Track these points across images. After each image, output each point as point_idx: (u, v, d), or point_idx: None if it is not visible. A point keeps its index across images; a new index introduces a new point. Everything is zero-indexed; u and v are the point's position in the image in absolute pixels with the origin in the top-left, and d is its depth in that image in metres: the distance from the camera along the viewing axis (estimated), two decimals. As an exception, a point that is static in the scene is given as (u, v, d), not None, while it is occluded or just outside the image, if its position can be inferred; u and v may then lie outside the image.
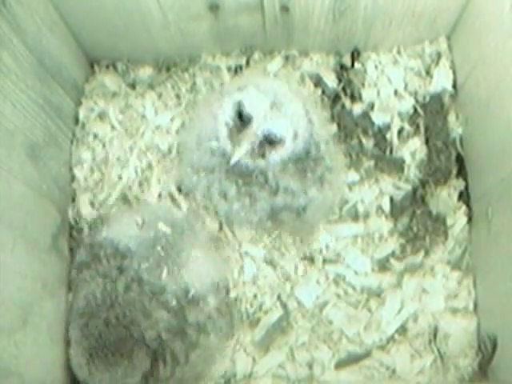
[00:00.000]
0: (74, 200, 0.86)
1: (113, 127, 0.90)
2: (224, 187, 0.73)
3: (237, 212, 0.74)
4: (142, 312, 0.68)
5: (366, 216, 0.84)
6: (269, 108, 0.66)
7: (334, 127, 0.88)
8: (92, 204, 0.86)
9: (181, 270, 0.72)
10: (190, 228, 0.78)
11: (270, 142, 0.67)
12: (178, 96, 0.92)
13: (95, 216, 0.85)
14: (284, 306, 0.81)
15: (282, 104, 0.67)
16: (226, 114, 0.67)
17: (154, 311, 0.69)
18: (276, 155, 0.68)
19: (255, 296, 0.81)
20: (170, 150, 0.88)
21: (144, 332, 0.67)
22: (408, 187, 0.85)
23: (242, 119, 0.67)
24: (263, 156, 0.68)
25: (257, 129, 0.66)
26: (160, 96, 0.92)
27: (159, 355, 0.69)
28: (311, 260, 0.82)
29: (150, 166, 0.87)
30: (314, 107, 0.78)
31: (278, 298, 0.81)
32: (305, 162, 0.71)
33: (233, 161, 0.66)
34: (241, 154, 0.66)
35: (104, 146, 0.89)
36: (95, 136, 0.90)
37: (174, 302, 0.70)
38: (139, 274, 0.70)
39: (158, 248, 0.72)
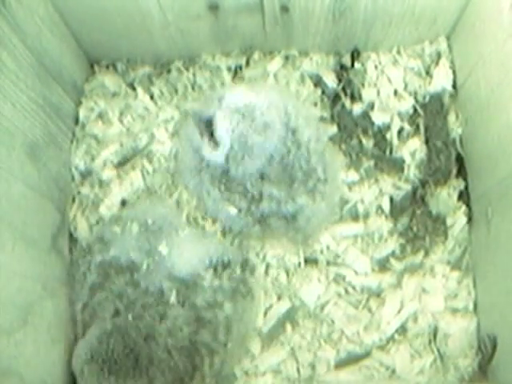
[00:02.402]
0: (74, 200, 0.86)
1: (112, 127, 0.90)
2: (211, 192, 0.74)
3: (225, 216, 0.75)
4: (155, 316, 0.68)
5: (366, 216, 0.84)
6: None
7: (333, 128, 0.88)
8: (92, 204, 0.86)
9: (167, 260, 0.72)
10: (173, 220, 0.78)
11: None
12: (178, 96, 0.92)
13: (96, 218, 0.85)
14: (285, 305, 0.81)
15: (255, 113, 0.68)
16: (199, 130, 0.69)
17: (166, 311, 0.69)
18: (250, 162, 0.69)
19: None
20: (170, 150, 0.88)
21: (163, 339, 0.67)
22: (408, 187, 0.85)
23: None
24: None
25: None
26: (160, 96, 0.92)
27: (192, 353, 0.68)
28: (312, 260, 0.82)
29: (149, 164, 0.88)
30: (304, 109, 0.78)
31: (279, 297, 0.81)
32: (288, 169, 0.71)
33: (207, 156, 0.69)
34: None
35: (104, 145, 0.89)
36: (95, 136, 0.90)
37: (174, 293, 0.69)
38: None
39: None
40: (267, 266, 0.82)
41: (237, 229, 0.78)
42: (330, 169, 0.76)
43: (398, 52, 0.92)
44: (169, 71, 0.94)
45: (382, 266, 0.82)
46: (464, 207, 0.84)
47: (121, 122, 0.90)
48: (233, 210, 0.73)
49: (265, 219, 0.74)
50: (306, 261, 0.82)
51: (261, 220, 0.74)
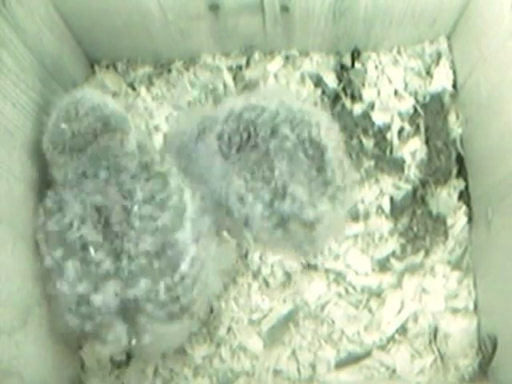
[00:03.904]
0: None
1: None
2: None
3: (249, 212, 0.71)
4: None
5: (366, 216, 0.84)
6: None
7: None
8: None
9: None
10: None
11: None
12: (178, 96, 0.92)
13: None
14: (286, 305, 0.81)
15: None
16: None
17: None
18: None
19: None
20: (170, 150, 0.88)
21: None
22: (408, 187, 0.85)
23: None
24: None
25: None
26: (160, 96, 0.92)
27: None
28: (312, 259, 0.82)
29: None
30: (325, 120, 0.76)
31: (279, 297, 0.81)
32: (310, 174, 0.70)
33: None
34: None
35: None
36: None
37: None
38: None
39: None
40: (269, 267, 0.82)
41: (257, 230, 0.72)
42: (348, 178, 0.75)
43: (399, 52, 0.92)
44: (169, 71, 0.94)
45: (383, 265, 0.82)
46: (464, 207, 0.84)
47: (121, 121, 0.90)
48: (258, 206, 0.68)
49: (285, 222, 0.70)
50: (307, 261, 0.82)
51: (281, 223, 0.70)
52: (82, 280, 0.64)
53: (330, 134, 0.73)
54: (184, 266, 0.65)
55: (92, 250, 0.63)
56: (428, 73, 0.91)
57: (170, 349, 0.76)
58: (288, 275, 0.82)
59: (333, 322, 0.80)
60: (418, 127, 0.88)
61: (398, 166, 0.86)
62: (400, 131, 0.88)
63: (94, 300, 0.63)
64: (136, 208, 0.65)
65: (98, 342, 0.67)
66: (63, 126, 0.67)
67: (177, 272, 0.65)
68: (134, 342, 0.66)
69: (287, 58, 0.93)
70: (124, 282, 0.64)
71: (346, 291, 0.81)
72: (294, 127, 0.70)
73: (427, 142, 0.87)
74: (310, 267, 0.82)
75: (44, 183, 0.77)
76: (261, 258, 0.82)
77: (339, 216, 0.74)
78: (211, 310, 0.80)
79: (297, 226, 0.71)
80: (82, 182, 0.67)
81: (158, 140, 0.88)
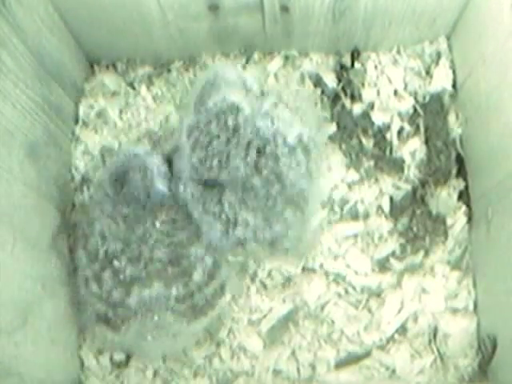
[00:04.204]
0: (73, 200, 0.86)
1: (112, 127, 0.90)
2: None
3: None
4: None
5: (366, 216, 0.84)
6: None
7: (333, 128, 0.88)
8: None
9: None
10: None
11: None
12: (178, 96, 0.92)
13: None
14: (286, 305, 0.81)
15: None
16: None
17: None
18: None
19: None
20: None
21: None
22: (408, 187, 0.85)
23: None
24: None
25: None
26: (160, 96, 0.92)
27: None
28: (312, 260, 0.82)
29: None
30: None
31: (279, 298, 0.81)
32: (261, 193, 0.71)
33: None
34: None
35: (103, 145, 0.89)
36: (95, 135, 0.90)
37: None
38: None
39: None
40: (269, 268, 0.82)
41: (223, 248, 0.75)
42: (314, 186, 0.74)
43: (398, 52, 0.92)
44: (169, 71, 0.94)
45: (382, 265, 0.82)
46: (464, 207, 0.84)
47: (121, 121, 0.90)
48: (215, 233, 0.73)
49: (243, 244, 0.73)
50: (307, 261, 0.82)
51: (239, 244, 0.73)
52: (116, 287, 0.71)
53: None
54: (197, 276, 0.72)
55: (116, 262, 0.71)
56: (428, 73, 0.91)
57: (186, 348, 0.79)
58: (288, 276, 0.82)
59: (332, 322, 0.80)
60: (417, 127, 0.88)
61: (397, 165, 0.86)
62: (400, 131, 0.88)
63: (129, 303, 0.71)
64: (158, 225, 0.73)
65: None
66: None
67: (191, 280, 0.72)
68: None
69: (287, 57, 0.93)
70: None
71: (346, 291, 0.81)
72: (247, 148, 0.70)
73: (427, 142, 0.87)
74: (309, 267, 0.82)
75: (44, 183, 0.78)
76: (259, 261, 0.82)
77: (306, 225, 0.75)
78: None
79: (255, 248, 0.73)
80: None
81: (157, 140, 0.89)
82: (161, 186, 0.73)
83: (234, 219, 0.71)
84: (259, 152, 0.70)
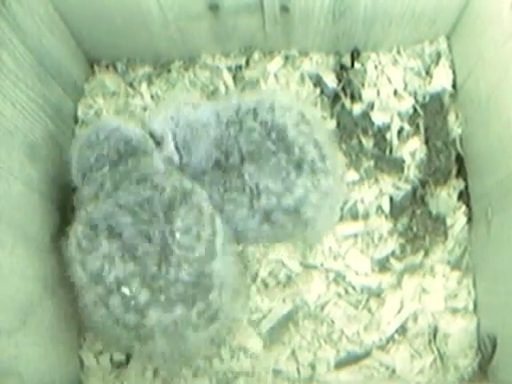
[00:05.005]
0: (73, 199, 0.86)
1: (113, 127, 0.90)
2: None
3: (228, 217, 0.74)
4: None
5: (366, 216, 0.84)
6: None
7: (333, 128, 0.88)
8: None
9: None
10: None
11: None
12: (177, 96, 0.92)
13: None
14: (286, 305, 0.81)
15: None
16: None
17: None
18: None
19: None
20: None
21: None
22: (408, 187, 0.85)
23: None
24: None
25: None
26: (160, 96, 0.92)
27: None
28: (312, 259, 0.82)
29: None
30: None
31: (279, 297, 0.81)
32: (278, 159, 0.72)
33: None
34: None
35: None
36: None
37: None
38: None
39: None
40: (269, 268, 0.82)
41: (247, 229, 0.75)
42: (331, 161, 0.76)
43: (398, 52, 0.92)
44: (169, 71, 0.94)
45: (382, 265, 0.82)
46: (464, 207, 0.84)
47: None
48: (240, 210, 0.73)
49: (268, 215, 0.73)
50: (307, 261, 0.82)
51: (265, 217, 0.73)
52: (128, 311, 0.65)
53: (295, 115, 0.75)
54: (213, 294, 0.68)
55: (126, 289, 0.65)
56: (427, 73, 0.91)
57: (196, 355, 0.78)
58: (288, 275, 0.82)
59: (332, 322, 0.80)
60: (417, 127, 0.88)
61: (397, 165, 0.86)
62: (399, 131, 0.88)
63: (146, 323, 0.65)
64: (178, 236, 0.67)
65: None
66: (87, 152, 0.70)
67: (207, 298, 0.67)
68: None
69: (287, 57, 0.93)
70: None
71: (346, 291, 0.81)
72: (256, 115, 0.74)
73: (427, 141, 0.87)
74: (310, 267, 0.82)
75: (44, 183, 0.78)
76: (259, 261, 0.82)
77: (326, 199, 0.75)
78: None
79: (281, 217, 0.73)
80: (118, 196, 0.68)
81: (157, 140, 0.89)
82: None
83: (257, 188, 0.72)
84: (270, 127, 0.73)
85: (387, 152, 0.87)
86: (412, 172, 0.86)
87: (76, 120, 0.90)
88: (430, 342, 0.79)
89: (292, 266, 0.82)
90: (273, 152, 0.73)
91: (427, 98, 0.90)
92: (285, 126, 0.73)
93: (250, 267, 0.82)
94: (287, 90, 0.90)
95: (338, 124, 0.88)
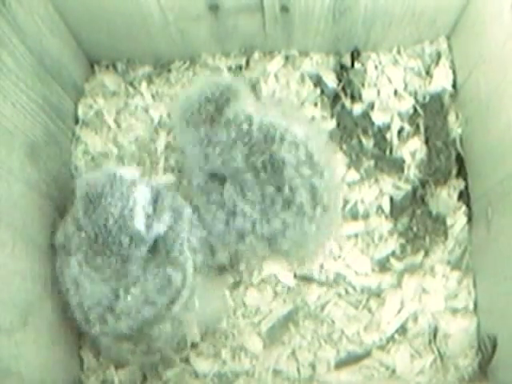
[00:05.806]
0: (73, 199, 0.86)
1: (112, 127, 0.90)
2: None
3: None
4: None
5: (366, 216, 0.84)
6: None
7: (333, 128, 0.88)
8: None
9: None
10: None
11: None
12: (177, 96, 0.92)
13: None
14: (286, 306, 0.81)
15: None
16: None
17: None
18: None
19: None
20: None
21: None
22: (408, 187, 0.85)
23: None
24: None
25: None
26: (160, 96, 0.92)
27: None
28: (312, 259, 0.82)
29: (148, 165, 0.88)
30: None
31: (279, 298, 0.81)
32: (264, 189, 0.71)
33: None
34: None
35: (103, 145, 0.89)
36: (95, 135, 0.90)
37: None
38: None
39: None
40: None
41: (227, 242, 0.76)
42: (325, 209, 0.73)
43: (398, 52, 0.92)
44: (169, 71, 0.94)
45: (382, 266, 0.82)
46: (464, 207, 0.84)
47: (121, 121, 0.90)
48: (218, 223, 0.73)
49: (242, 237, 0.73)
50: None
51: (240, 238, 0.73)
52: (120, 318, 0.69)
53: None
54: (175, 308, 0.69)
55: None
56: (428, 73, 0.91)
57: None
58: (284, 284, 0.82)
59: (333, 322, 0.80)
60: (417, 127, 0.88)
61: (397, 165, 0.86)
62: (400, 131, 0.88)
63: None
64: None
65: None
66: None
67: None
68: None
69: (287, 57, 0.93)
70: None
71: (346, 291, 0.81)
72: (252, 146, 0.71)
73: (427, 141, 0.87)
74: (310, 267, 0.82)
75: (44, 183, 0.78)
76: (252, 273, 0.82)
77: (309, 231, 0.73)
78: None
79: (255, 242, 0.73)
80: None
81: (158, 139, 0.88)
82: (140, 224, 0.66)
83: (234, 209, 0.72)
84: (262, 152, 0.71)
85: (387, 152, 0.87)
86: (412, 172, 0.86)
87: (76, 120, 0.90)
88: (430, 342, 0.79)
89: (286, 280, 0.82)
90: (260, 180, 0.70)
91: (427, 98, 0.90)
92: (284, 162, 0.70)
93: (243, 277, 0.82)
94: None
95: (338, 124, 0.88)
